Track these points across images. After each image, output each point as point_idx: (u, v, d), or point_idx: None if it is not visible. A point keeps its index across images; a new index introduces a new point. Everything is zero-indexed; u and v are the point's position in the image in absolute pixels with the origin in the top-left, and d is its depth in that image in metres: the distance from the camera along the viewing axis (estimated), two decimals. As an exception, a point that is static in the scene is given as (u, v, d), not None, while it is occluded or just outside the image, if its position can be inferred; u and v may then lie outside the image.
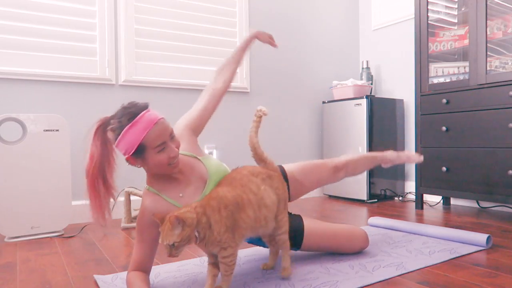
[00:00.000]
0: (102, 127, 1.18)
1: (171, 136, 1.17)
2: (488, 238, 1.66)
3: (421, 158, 1.83)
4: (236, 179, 1.17)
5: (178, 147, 1.19)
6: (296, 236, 1.45)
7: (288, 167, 1.58)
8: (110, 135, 1.16)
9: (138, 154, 1.14)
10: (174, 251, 1.02)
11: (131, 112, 1.13)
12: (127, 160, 1.16)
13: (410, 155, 1.84)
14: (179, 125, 1.38)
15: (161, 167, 1.16)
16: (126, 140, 1.12)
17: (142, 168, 1.29)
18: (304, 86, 3.33)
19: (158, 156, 1.13)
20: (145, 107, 1.15)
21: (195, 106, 1.44)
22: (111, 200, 1.23)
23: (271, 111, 3.16)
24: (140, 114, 1.13)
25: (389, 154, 1.82)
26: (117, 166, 1.21)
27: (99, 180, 1.20)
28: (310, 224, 1.47)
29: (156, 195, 1.23)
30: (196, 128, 1.40)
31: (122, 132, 1.12)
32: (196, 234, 1.04)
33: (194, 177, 1.26)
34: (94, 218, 1.19)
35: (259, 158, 1.31)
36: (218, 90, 1.49)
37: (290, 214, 1.50)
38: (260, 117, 1.29)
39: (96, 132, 1.18)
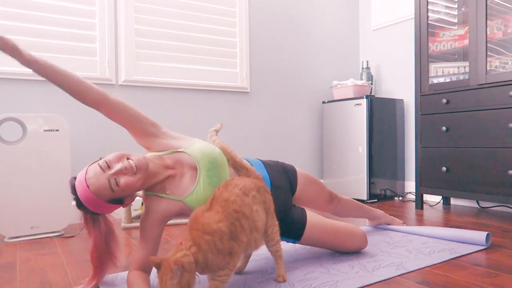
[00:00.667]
0: (83, 210, 1.23)
1: (106, 167, 1.14)
2: (487, 236, 1.66)
3: (403, 224, 2.00)
4: (229, 202, 1.09)
5: (119, 159, 1.16)
6: (298, 227, 1.44)
7: (298, 170, 1.60)
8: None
9: (119, 201, 1.20)
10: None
11: (78, 203, 1.19)
12: (125, 206, 1.25)
13: (395, 219, 2.00)
14: (138, 142, 1.34)
15: (137, 184, 1.16)
16: (105, 211, 1.20)
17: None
18: (304, 86, 3.33)
19: (123, 186, 1.15)
20: (72, 182, 1.19)
21: (123, 126, 1.33)
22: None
23: (271, 111, 3.16)
24: (78, 197, 1.17)
25: (379, 213, 1.94)
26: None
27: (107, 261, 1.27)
28: (312, 217, 1.47)
29: (154, 196, 1.25)
30: (142, 132, 1.30)
31: (96, 213, 1.21)
32: (197, 275, 1.02)
33: (185, 168, 1.28)
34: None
35: (239, 165, 1.29)
36: (105, 104, 1.27)
37: (293, 206, 1.50)
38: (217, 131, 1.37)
39: (85, 222, 1.26)
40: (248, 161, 1.46)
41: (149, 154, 1.30)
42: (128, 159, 1.17)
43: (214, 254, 1.01)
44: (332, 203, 1.67)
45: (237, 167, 1.30)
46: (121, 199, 1.19)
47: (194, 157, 1.27)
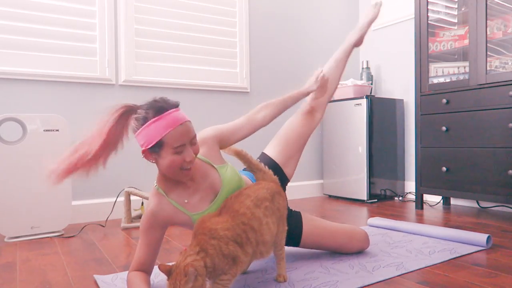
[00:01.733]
0: (126, 114, 1.18)
1: (192, 141, 1.14)
2: (488, 238, 1.65)
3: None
4: (238, 214, 1.09)
5: (196, 153, 1.16)
6: (294, 234, 1.44)
7: (271, 154, 1.56)
8: (133, 123, 1.16)
9: (155, 149, 1.13)
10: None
11: (159, 107, 1.12)
12: (143, 152, 1.15)
13: (364, 17, 1.83)
14: (207, 131, 1.32)
15: (173, 169, 1.13)
16: (148, 132, 1.11)
17: (154, 164, 1.28)
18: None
19: (173, 156, 1.11)
20: (175, 105, 1.14)
21: (233, 122, 1.39)
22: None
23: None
24: (168, 111, 1.11)
25: (350, 35, 1.81)
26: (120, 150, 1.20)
27: (101, 158, 1.20)
28: (309, 222, 1.47)
29: (162, 196, 1.22)
30: (223, 140, 1.33)
31: (147, 124, 1.11)
32: (206, 280, 1.00)
33: (204, 185, 1.23)
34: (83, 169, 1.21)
35: (256, 168, 1.28)
36: (257, 121, 1.40)
37: (290, 210, 1.50)
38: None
39: (119, 116, 1.18)
40: (246, 176, 1.45)
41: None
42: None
43: (220, 258, 1.01)
44: (314, 112, 1.64)
45: (254, 170, 1.29)
46: (157, 148, 1.13)
47: (223, 180, 1.24)
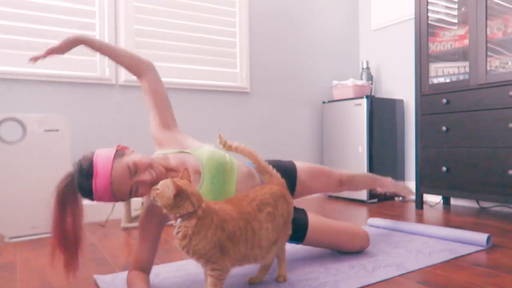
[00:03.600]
0: (68, 191, 1.15)
1: (134, 171, 1.12)
2: (488, 238, 1.65)
3: (412, 194, 2.02)
4: (245, 212, 1.09)
5: (146, 167, 1.14)
6: (300, 230, 1.44)
7: (299, 166, 1.58)
8: (79, 195, 1.15)
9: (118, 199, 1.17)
10: (152, 194, 1.00)
11: (82, 170, 1.10)
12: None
13: (406, 187, 1.97)
14: (153, 131, 1.34)
15: (146, 194, 1.17)
16: (101, 196, 1.11)
17: None
18: (304, 86, 3.33)
19: (139, 194, 1.14)
20: (90, 158, 1.11)
21: (148, 107, 1.37)
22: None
23: (271, 111, 3.16)
24: (94, 167, 1.09)
25: (388, 181, 1.91)
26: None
27: (75, 241, 1.17)
28: (314, 219, 1.47)
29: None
30: (165, 119, 1.33)
31: (94, 194, 1.10)
32: (178, 222, 1.00)
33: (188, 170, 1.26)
34: (65, 270, 1.17)
35: (264, 170, 1.28)
36: (148, 74, 1.36)
37: (294, 208, 1.50)
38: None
39: (60, 200, 1.14)
40: (248, 164, 1.46)
41: (158, 153, 1.30)
42: (152, 168, 1.17)
43: (207, 236, 0.99)
44: (343, 186, 1.67)
45: (262, 172, 1.29)
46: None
47: (200, 160, 1.25)
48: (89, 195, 1.11)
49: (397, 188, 1.93)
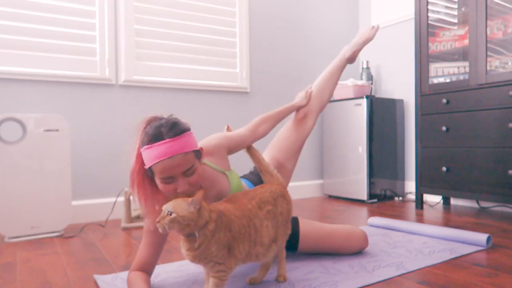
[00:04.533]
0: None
1: (186, 173, 1.08)
2: (488, 238, 1.65)
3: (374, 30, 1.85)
4: (246, 209, 1.11)
5: (193, 183, 1.11)
6: (291, 240, 1.46)
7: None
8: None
9: (150, 172, 1.11)
10: (166, 221, 0.95)
11: (154, 135, 1.07)
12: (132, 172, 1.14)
13: (360, 35, 1.85)
14: (219, 140, 1.31)
15: (167, 193, 1.11)
16: (144, 155, 1.09)
17: None
18: (304, 86, 3.33)
19: (164, 185, 1.09)
20: (177, 132, 1.07)
21: (238, 133, 1.37)
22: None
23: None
24: (160, 142, 1.05)
25: (344, 49, 1.82)
26: None
27: (146, 179, 1.14)
28: (305, 227, 1.47)
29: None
30: (230, 150, 1.35)
31: (143, 148, 1.08)
32: (196, 234, 0.99)
33: (213, 193, 1.24)
34: (144, 214, 1.16)
35: (265, 170, 1.30)
36: (258, 134, 1.43)
37: None
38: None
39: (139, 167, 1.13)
40: (244, 183, 1.46)
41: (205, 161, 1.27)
42: (192, 188, 1.12)
43: (220, 237, 1.01)
44: (306, 119, 1.65)
45: (262, 171, 1.30)
46: (150, 175, 1.11)
47: (231, 185, 1.27)
48: (141, 145, 1.09)
49: (352, 47, 1.82)
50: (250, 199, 1.15)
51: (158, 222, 0.96)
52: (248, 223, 1.08)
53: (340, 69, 1.79)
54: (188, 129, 1.11)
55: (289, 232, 1.26)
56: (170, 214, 0.96)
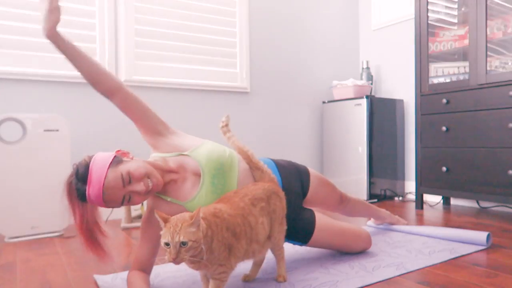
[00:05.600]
0: (71, 190, 1.16)
1: (127, 181, 1.12)
2: (488, 236, 1.65)
3: (406, 223, 1.99)
4: (239, 207, 1.09)
5: (143, 176, 1.13)
6: (306, 231, 1.43)
7: (311, 170, 1.58)
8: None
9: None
10: (183, 253, 0.90)
11: (78, 175, 1.12)
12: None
13: (400, 219, 1.99)
14: (144, 138, 1.31)
15: (140, 202, 1.17)
16: (94, 202, 1.12)
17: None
18: (304, 86, 3.33)
19: (132, 203, 1.14)
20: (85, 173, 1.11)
21: (131, 119, 1.31)
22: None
23: (271, 111, 3.16)
24: (89, 174, 1.10)
25: (384, 212, 1.92)
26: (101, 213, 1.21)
27: (93, 233, 1.18)
28: (320, 220, 1.46)
29: (158, 197, 1.25)
30: (151, 129, 1.28)
31: (87, 198, 1.11)
32: (203, 247, 0.95)
33: (188, 172, 1.25)
34: (99, 260, 1.21)
35: (255, 166, 1.29)
36: (119, 94, 1.26)
37: (303, 208, 1.48)
38: (227, 125, 1.30)
39: (69, 197, 1.15)
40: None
41: (155, 155, 1.29)
42: (148, 177, 1.15)
43: (219, 240, 0.99)
44: (342, 204, 1.66)
45: (253, 168, 1.29)
46: None
47: (199, 162, 1.24)
48: (83, 198, 1.12)
49: (392, 219, 1.96)
50: (242, 196, 1.13)
51: (175, 258, 0.90)
52: (242, 221, 1.07)
53: (370, 214, 1.85)
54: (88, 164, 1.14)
55: (285, 228, 1.25)
56: (183, 245, 0.90)
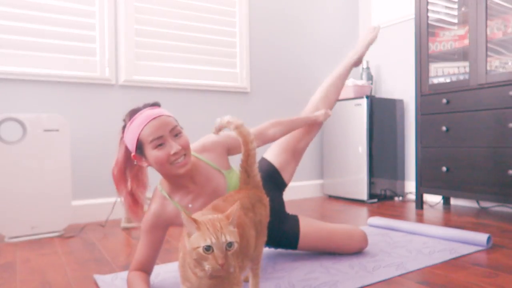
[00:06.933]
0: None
1: (174, 133, 1.13)
2: (488, 238, 1.65)
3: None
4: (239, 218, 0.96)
5: (184, 146, 1.13)
6: (292, 238, 1.46)
7: (270, 158, 1.57)
8: (119, 135, 1.21)
9: (140, 152, 1.14)
10: (230, 257, 0.76)
11: (132, 110, 1.16)
12: (133, 159, 1.17)
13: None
14: (219, 137, 1.31)
15: (163, 166, 1.11)
16: (127, 137, 1.14)
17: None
18: (304, 86, 3.33)
19: (156, 152, 1.10)
20: (149, 104, 1.17)
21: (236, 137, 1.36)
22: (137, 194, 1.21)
23: (271, 111, 3.16)
24: (140, 111, 1.14)
25: (350, 54, 1.86)
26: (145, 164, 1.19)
27: (125, 181, 1.20)
28: (306, 226, 1.48)
29: (165, 198, 1.22)
30: (232, 149, 1.32)
31: (125, 131, 1.15)
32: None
33: (208, 189, 1.22)
34: (130, 215, 1.21)
35: (247, 169, 1.12)
36: (267, 137, 1.42)
37: (286, 214, 1.50)
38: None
39: (122, 135, 1.21)
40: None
41: (197, 155, 1.25)
42: (185, 154, 1.15)
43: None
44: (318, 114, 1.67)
45: (243, 169, 1.13)
46: (141, 150, 1.13)
47: (228, 185, 1.24)
48: (123, 131, 1.17)
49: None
50: (232, 205, 0.97)
51: (224, 263, 0.76)
52: (241, 235, 0.92)
53: (346, 73, 1.80)
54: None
55: (265, 239, 1.14)
56: (230, 246, 0.77)
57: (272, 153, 1.60)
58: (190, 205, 1.21)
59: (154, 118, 1.11)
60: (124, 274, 1.37)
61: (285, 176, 1.57)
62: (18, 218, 1.94)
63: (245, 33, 2.99)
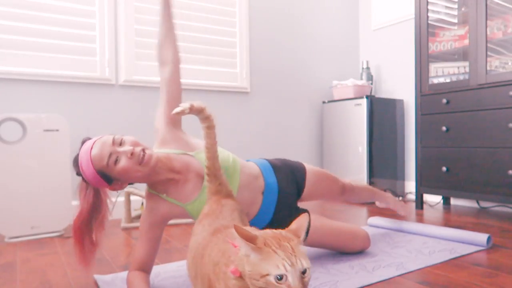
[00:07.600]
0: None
1: (117, 143, 1.14)
2: (488, 238, 1.65)
3: (406, 213, 2.05)
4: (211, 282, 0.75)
5: (133, 143, 1.15)
6: None
7: (308, 167, 1.56)
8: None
9: (108, 180, 1.16)
10: (306, 284, 0.63)
11: (74, 159, 1.18)
12: (111, 190, 1.21)
13: (404, 205, 2.00)
14: (158, 126, 1.32)
15: (134, 172, 1.13)
16: (89, 179, 1.15)
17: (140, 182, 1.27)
18: (304, 86, 3.33)
19: (118, 167, 1.12)
20: (81, 144, 1.19)
21: (161, 99, 1.36)
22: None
23: (271, 111, 3.16)
24: (79, 154, 1.16)
25: (388, 196, 1.93)
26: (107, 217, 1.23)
27: (89, 232, 1.23)
28: (315, 221, 1.46)
29: (157, 196, 1.24)
30: (174, 120, 1.31)
31: (82, 176, 1.16)
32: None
33: (191, 174, 1.24)
34: (79, 263, 1.22)
35: (214, 174, 1.03)
36: (171, 67, 1.35)
37: (297, 208, 1.49)
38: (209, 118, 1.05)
39: (82, 182, 1.22)
40: (254, 163, 1.42)
41: (160, 150, 1.27)
42: (143, 149, 1.15)
43: None
44: (345, 195, 1.66)
45: (211, 176, 1.03)
46: (109, 178, 1.15)
47: (203, 164, 1.23)
48: (77, 164, 1.17)
49: (395, 204, 1.96)
50: (206, 262, 0.76)
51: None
52: None
53: (373, 197, 1.87)
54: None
55: None
56: (304, 273, 0.63)
57: (310, 167, 1.57)
58: (182, 201, 1.23)
59: (92, 147, 1.13)
60: (124, 274, 1.37)
61: (306, 184, 1.51)
62: (18, 218, 1.94)
63: (245, 33, 2.99)
